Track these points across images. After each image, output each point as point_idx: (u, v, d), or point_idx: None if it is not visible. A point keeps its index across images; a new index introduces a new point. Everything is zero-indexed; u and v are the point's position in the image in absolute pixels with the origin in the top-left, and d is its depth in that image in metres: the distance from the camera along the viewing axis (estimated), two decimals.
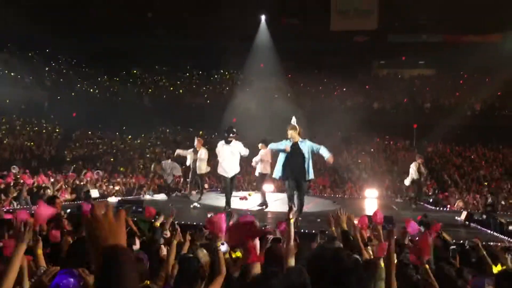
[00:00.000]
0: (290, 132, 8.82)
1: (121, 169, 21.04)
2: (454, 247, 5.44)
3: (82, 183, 13.63)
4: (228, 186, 9.87)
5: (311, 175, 8.84)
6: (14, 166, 14.60)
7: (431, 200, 14.75)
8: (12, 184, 10.47)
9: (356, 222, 5.05)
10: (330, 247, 4.20)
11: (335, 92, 27.94)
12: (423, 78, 29.26)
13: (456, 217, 10.16)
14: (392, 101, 26.74)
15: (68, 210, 7.28)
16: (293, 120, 8.99)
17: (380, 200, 14.76)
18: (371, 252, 4.41)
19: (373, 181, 18.01)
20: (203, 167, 11.95)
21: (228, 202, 9.74)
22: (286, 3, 25.43)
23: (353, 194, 17.44)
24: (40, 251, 3.65)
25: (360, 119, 22.29)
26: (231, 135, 9.73)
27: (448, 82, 27.73)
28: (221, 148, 9.88)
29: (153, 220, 5.99)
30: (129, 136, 26.50)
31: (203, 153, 11.93)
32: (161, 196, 12.21)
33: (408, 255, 4.48)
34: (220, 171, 9.95)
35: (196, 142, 12.12)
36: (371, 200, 14.46)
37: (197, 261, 3.55)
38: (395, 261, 3.68)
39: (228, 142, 9.79)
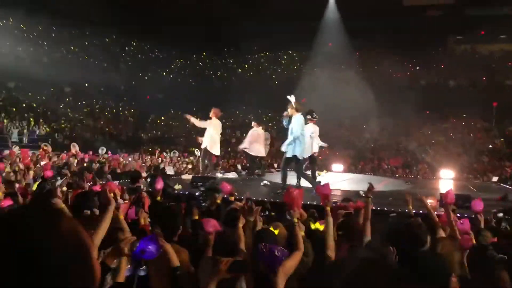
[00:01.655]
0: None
1: (192, 149, 21.67)
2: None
3: (157, 163, 14.26)
4: (300, 165, 9.99)
5: (292, 152, 8.82)
6: (103, 147, 15.51)
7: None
8: (96, 161, 11.13)
9: (429, 202, 4.97)
10: (409, 223, 4.15)
11: (408, 70, 26.97)
12: (504, 54, 27.45)
13: None
14: (469, 78, 25.42)
15: (149, 179, 7.66)
16: (291, 98, 9.08)
17: (457, 181, 14.19)
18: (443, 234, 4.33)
19: (448, 162, 17.29)
20: (213, 145, 10.85)
21: (297, 178, 9.59)
22: None
23: (427, 174, 16.87)
24: (121, 216, 3.90)
25: (434, 98, 21.43)
26: (309, 117, 10.06)
27: None
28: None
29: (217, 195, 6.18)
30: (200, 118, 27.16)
31: (214, 125, 10.91)
32: (232, 175, 12.46)
33: (487, 237, 4.34)
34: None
35: (211, 113, 11.16)
36: (446, 181, 13.94)
37: (274, 234, 3.61)
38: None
39: (306, 124, 10.05)
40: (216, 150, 11.01)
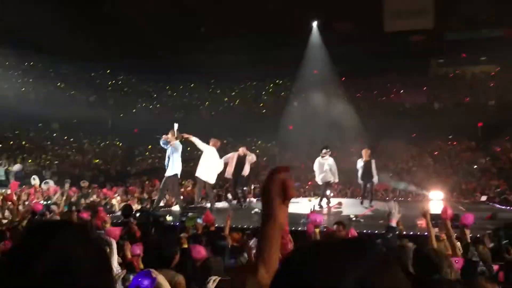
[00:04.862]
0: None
1: (183, 182, 21.46)
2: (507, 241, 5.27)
3: (145, 195, 14.19)
4: (322, 191, 12.02)
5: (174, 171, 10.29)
6: (84, 180, 15.50)
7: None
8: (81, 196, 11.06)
9: (419, 222, 5.07)
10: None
11: (392, 94, 27.33)
12: (486, 75, 27.99)
13: None
14: (453, 100, 25.80)
15: (137, 214, 7.60)
16: (175, 126, 10.37)
17: (446, 202, 14.26)
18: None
19: (437, 183, 17.38)
20: (207, 173, 10.96)
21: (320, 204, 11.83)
22: (337, 7, 25.09)
23: (417, 196, 16.93)
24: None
25: (420, 121, 21.67)
26: (324, 151, 11.84)
27: None
28: (317, 162, 12.00)
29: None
30: (188, 148, 27.02)
31: (209, 152, 11.08)
32: (222, 204, 12.48)
33: (476, 253, 4.41)
34: (317, 180, 12.16)
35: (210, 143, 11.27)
36: (436, 202, 14.01)
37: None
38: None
39: (322, 157, 11.87)
40: (211, 178, 11.04)
